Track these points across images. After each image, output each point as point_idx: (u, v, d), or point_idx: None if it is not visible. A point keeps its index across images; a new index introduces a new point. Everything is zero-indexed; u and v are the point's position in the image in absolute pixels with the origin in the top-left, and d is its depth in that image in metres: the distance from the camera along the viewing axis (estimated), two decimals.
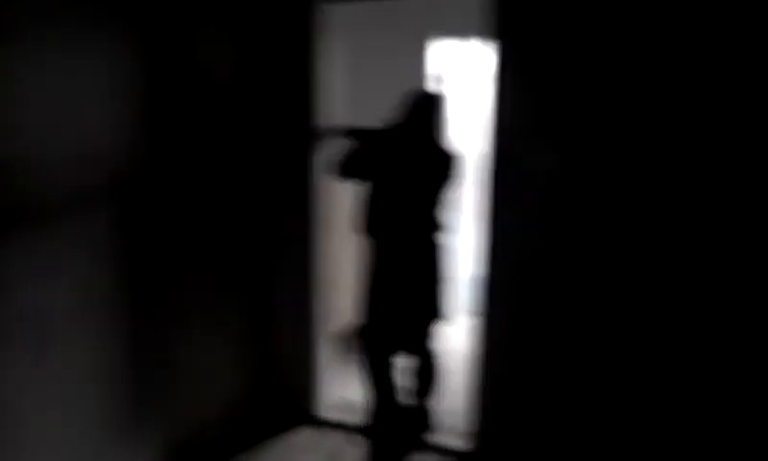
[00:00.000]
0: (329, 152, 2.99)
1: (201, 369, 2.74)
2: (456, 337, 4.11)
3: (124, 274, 2.23)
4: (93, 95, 2.03)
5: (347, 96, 3.42)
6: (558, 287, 2.51)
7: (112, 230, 2.16)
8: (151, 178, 2.33)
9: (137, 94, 2.23)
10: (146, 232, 2.33)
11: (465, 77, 4.60)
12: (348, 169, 2.73)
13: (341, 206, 3.35)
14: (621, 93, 2.30)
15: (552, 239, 2.49)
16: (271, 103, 2.96)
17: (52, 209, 1.91)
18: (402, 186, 2.68)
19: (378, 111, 3.77)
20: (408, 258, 2.70)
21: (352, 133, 2.83)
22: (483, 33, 4.14)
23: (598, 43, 2.31)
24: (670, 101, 2.24)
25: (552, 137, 2.42)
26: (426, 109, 2.68)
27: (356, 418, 3.14)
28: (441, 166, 2.70)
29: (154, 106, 2.32)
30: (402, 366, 2.89)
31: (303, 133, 2.92)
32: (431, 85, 2.76)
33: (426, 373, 2.88)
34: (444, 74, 4.46)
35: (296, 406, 3.19)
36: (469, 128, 4.66)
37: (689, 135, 2.23)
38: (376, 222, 2.73)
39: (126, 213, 2.22)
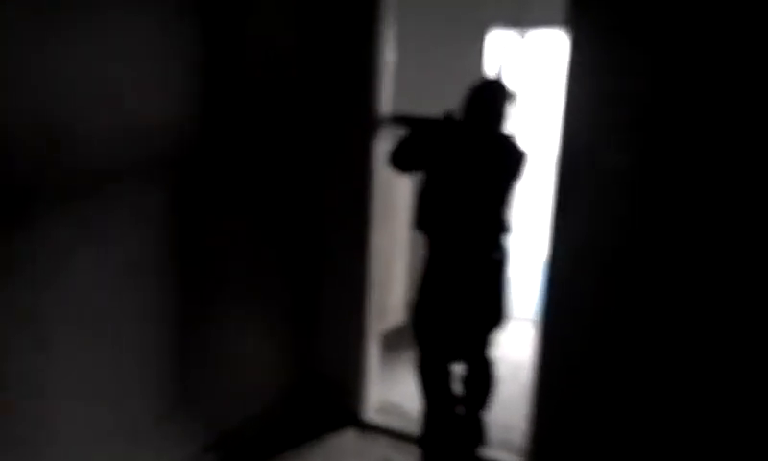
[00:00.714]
0: (389, 140, 2.83)
1: (244, 362, 2.65)
2: (513, 344, 3.89)
3: (172, 255, 2.16)
4: (146, 65, 1.94)
5: (404, 83, 3.23)
6: (626, 294, 2.33)
7: (163, 209, 2.09)
8: (204, 157, 2.26)
9: (194, 66, 2.14)
10: (196, 215, 2.25)
11: (526, 68, 4.37)
12: (401, 159, 2.56)
13: (398, 199, 3.19)
14: (701, 90, 2.10)
15: (622, 242, 2.31)
16: (332, 85, 2.82)
17: (101, 182, 1.84)
18: (462, 181, 2.49)
19: (434, 101, 3.59)
20: (467, 260, 2.51)
21: (409, 121, 2.66)
22: (549, 21, 3.93)
23: (679, 36, 2.11)
24: (750, 100, 2.04)
25: (626, 135, 2.24)
26: (490, 99, 2.48)
27: (404, 423, 2.99)
28: (504, 162, 2.51)
29: (210, 79, 2.23)
30: (458, 374, 2.70)
31: (364, 120, 2.77)
32: (495, 76, 2.53)
33: (482, 383, 2.69)
34: (505, 64, 4.24)
35: (341, 407, 3.07)
36: (535, 122, 4.45)
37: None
38: (431, 218, 2.55)
39: (177, 192, 2.14)
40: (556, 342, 2.50)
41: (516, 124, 2.60)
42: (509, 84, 2.50)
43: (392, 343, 3.66)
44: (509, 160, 2.50)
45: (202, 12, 2.13)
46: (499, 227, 2.52)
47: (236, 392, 2.61)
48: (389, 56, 2.79)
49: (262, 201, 2.61)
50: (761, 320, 2.13)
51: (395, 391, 3.29)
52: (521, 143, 2.52)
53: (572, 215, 2.37)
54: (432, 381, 2.67)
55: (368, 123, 2.77)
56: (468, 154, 2.48)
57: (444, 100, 2.91)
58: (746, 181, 2.08)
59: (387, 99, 2.84)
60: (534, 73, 4.45)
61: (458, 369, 2.70)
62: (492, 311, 2.57)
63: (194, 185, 2.21)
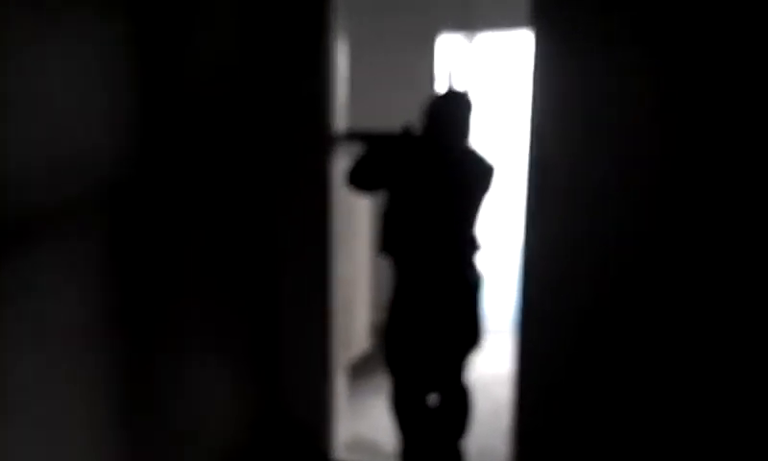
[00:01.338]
0: (347, 159, 2.68)
1: (202, 404, 2.41)
2: (486, 358, 3.75)
3: (116, 295, 1.93)
4: (78, 93, 1.74)
5: (355, 94, 3.08)
6: (603, 301, 2.24)
7: (103, 250, 1.87)
8: (148, 188, 2.04)
9: (130, 91, 1.94)
10: (141, 249, 2.03)
11: (477, 72, 4.32)
12: (360, 178, 2.40)
13: (358, 221, 3.04)
14: (678, 91, 2.04)
15: (596, 249, 2.22)
16: (282, 102, 2.65)
17: (33, 223, 1.62)
18: (428, 200, 2.35)
19: (385, 112, 3.47)
20: (438, 282, 2.37)
21: (366, 137, 2.51)
22: (499, 24, 3.90)
23: (652, 33, 2.04)
24: (728, 100, 1.98)
25: (597, 140, 2.16)
26: (453, 113, 2.35)
27: (377, 460, 2.79)
28: (471, 177, 2.39)
29: (152, 104, 2.03)
30: (433, 404, 2.54)
31: (319, 137, 2.61)
32: (457, 86, 2.42)
33: (459, 412, 2.53)
34: (455, 69, 4.16)
35: (309, 446, 2.85)
36: (495, 131, 4.39)
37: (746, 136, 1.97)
38: (398, 240, 2.40)
39: (119, 229, 1.93)
40: (534, 354, 2.38)
41: (479, 135, 2.49)
42: (471, 94, 2.40)
43: (358, 372, 3.48)
44: (476, 175, 2.39)
45: (141, 34, 1.95)
46: (470, 245, 2.39)
47: (193, 436, 2.38)
48: (341, 68, 2.65)
49: (214, 229, 2.41)
50: (742, 332, 2.07)
51: (364, 424, 3.10)
52: (488, 156, 2.41)
53: (544, 223, 2.27)
54: (409, 415, 2.50)
55: (322, 141, 2.61)
56: (433, 170, 2.34)
57: (397, 110, 2.78)
58: (723, 182, 2.03)
59: (342, 114, 2.70)
60: (485, 77, 4.40)
61: (432, 399, 2.54)
62: (467, 334, 2.43)
63: (138, 221, 2.00)
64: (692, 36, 2.00)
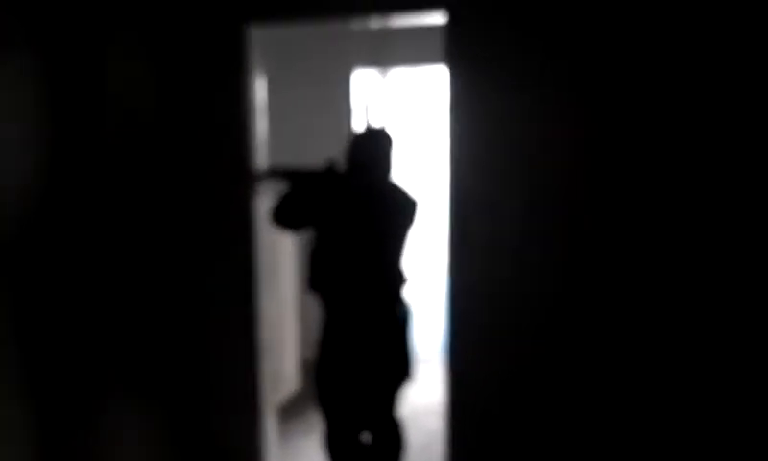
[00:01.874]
0: (270, 196, 2.65)
1: (127, 448, 2.27)
2: (417, 388, 3.75)
3: (20, 344, 1.79)
4: None
5: (272, 130, 3.06)
6: (529, 325, 2.31)
7: (9, 294, 1.74)
8: (56, 229, 1.92)
9: (39, 129, 1.84)
10: (50, 292, 1.91)
11: (391, 107, 4.42)
12: (284, 216, 2.39)
13: (283, 259, 2.99)
14: (598, 123, 2.16)
15: (519, 280, 2.30)
16: (200, 139, 2.60)
17: None
18: (353, 236, 2.35)
19: (302, 146, 3.46)
20: (366, 317, 2.36)
21: (288, 174, 2.50)
22: (411, 60, 4.01)
23: (567, 62, 2.16)
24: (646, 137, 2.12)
25: (517, 172, 2.25)
26: (376, 150, 2.37)
27: None
28: (396, 212, 2.40)
29: (58, 140, 1.94)
30: (366, 441, 2.51)
31: (240, 173, 2.57)
32: (374, 122, 2.45)
33: (392, 446, 2.51)
34: (371, 105, 4.23)
35: None
36: (415, 164, 4.48)
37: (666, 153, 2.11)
38: (325, 277, 2.39)
39: (24, 270, 1.80)
40: (464, 382, 2.42)
41: (401, 170, 2.53)
42: (390, 130, 2.45)
43: (288, 413, 3.39)
44: (400, 210, 2.40)
45: (51, 75, 1.87)
46: (396, 279, 2.40)
47: None
48: (259, 103, 2.64)
49: (134, 270, 2.31)
50: (665, 354, 2.18)
51: None
52: (410, 190, 2.45)
53: (468, 253, 2.33)
54: (342, 453, 2.46)
55: (244, 177, 2.57)
56: (358, 207, 2.35)
57: (315, 144, 2.78)
58: (644, 217, 2.14)
59: (262, 149, 2.68)
60: (400, 112, 4.50)
61: (365, 436, 2.51)
62: (397, 369, 2.42)
63: (46, 263, 1.89)
64: (608, 74, 2.13)
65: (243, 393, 2.70)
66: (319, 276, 2.39)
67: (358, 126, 2.46)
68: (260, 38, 2.62)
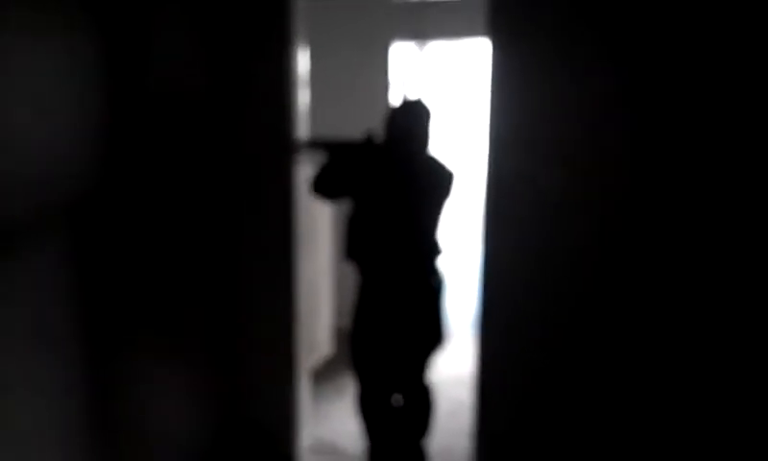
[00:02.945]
0: (310, 165, 2.70)
1: (164, 407, 2.39)
2: (446, 359, 3.81)
3: (77, 305, 1.89)
4: (40, 102, 1.71)
5: (312, 101, 3.10)
6: (562, 302, 2.32)
7: (68, 253, 1.84)
8: (108, 197, 2.01)
9: (94, 101, 1.91)
10: (105, 257, 2.00)
11: (430, 81, 4.40)
12: (324, 186, 2.44)
13: (321, 226, 3.06)
14: (638, 99, 2.12)
15: (555, 256, 2.30)
16: (244, 109, 2.65)
17: None
18: (391, 207, 2.39)
19: (341, 118, 3.48)
20: (402, 287, 2.41)
21: (328, 145, 2.54)
22: (450, 33, 3.97)
23: (613, 40, 2.12)
24: (682, 105, 2.07)
25: (556, 148, 2.23)
26: (414, 122, 2.39)
27: None
28: (433, 184, 2.43)
29: (113, 115, 2.01)
30: (397, 404, 2.58)
31: (282, 144, 2.62)
32: (412, 95, 2.46)
33: (422, 412, 2.58)
34: (409, 78, 4.22)
35: (273, 451, 2.84)
36: (455, 139, 4.47)
37: (703, 140, 2.07)
38: (362, 247, 2.44)
39: (82, 234, 1.89)
40: (494, 356, 2.45)
41: (439, 142, 2.55)
42: (427, 103, 2.46)
43: (321, 377, 3.49)
44: (437, 182, 2.43)
45: (102, 40, 1.93)
46: (432, 250, 2.44)
47: (158, 442, 2.35)
48: (302, 75, 2.68)
49: (177, 236, 2.39)
50: (705, 337, 2.16)
51: (327, 428, 3.11)
52: (448, 162, 2.47)
53: (504, 227, 2.34)
54: (374, 415, 2.54)
55: (286, 148, 2.63)
56: (395, 178, 2.39)
57: (353, 116, 2.80)
58: (688, 190, 2.10)
59: (303, 120, 2.72)
60: (437, 85, 4.48)
61: (396, 399, 2.58)
62: (430, 336, 2.47)
63: (101, 229, 1.97)
64: (652, 45, 2.07)
65: (279, 356, 2.78)
66: (355, 245, 2.44)
67: (396, 98, 2.47)
68: (303, 10, 2.64)
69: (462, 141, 4.48)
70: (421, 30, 3.99)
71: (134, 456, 2.22)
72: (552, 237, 2.29)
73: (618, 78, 2.13)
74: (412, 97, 2.47)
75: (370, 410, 2.54)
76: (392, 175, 2.38)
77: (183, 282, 2.47)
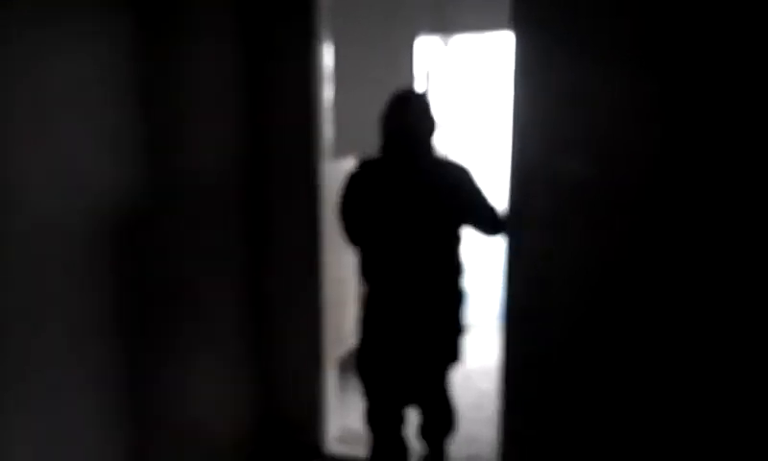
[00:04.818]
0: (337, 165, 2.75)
1: (196, 400, 2.46)
2: (476, 353, 3.83)
3: (117, 313, 1.98)
4: (74, 106, 1.77)
5: (339, 98, 3.14)
6: (586, 300, 2.31)
7: (104, 251, 1.91)
8: (151, 187, 2.08)
9: (138, 115, 1.99)
10: (138, 254, 2.07)
11: (453, 74, 4.39)
12: (349, 235, 2.43)
13: None
14: (665, 92, 2.09)
15: (579, 248, 2.29)
16: (271, 106, 2.70)
17: (42, 242, 1.67)
18: (399, 226, 2.20)
19: (364, 113, 3.49)
20: (414, 309, 2.28)
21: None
22: (474, 27, 3.97)
23: (638, 31, 2.11)
24: (712, 96, 2.04)
25: (582, 142, 2.22)
26: (408, 120, 2.20)
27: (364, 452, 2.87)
28: (443, 191, 2.21)
29: (155, 123, 2.09)
30: (412, 419, 2.56)
31: (308, 141, 2.67)
32: (411, 87, 2.33)
33: (442, 427, 2.55)
34: (431, 72, 4.22)
35: (301, 440, 2.92)
36: (474, 132, 4.47)
37: (730, 138, 2.03)
38: (375, 269, 2.32)
39: (118, 232, 1.96)
40: (519, 348, 2.44)
41: (446, 139, 2.44)
42: (426, 93, 2.27)
43: (347, 367, 3.54)
44: (447, 187, 2.20)
45: (143, 56, 2.00)
46: (451, 269, 2.30)
47: (190, 434, 2.42)
48: (327, 70, 2.72)
49: (209, 231, 2.45)
50: (729, 333, 2.13)
51: (354, 418, 3.17)
52: (456, 160, 2.31)
53: (528, 220, 2.32)
54: (382, 430, 2.49)
55: (313, 147, 2.67)
56: (397, 192, 2.19)
57: (377, 111, 2.79)
58: (711, 184, 2.07)
59: (327, 115, 2.76)
60: (461, 79, 4.47)
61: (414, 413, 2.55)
62: (444, 357, 2.38)
63: (135, 226, 2.04)
64: (678, 35, 2.04)
65: (307, 347, 2.84)
66: (367, 266, 2.35)
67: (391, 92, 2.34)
68: (327, 5, 2.68)
69: (486, 135, 4.47)
70: (446, 24, 3.99)
71: (167, 446, 2.30)
72: (578, 231, 2.28)
73: (643, 70, 2.11)
74: (406, 87, 2.36)
75: (378, 424, 2.50)
76: (393, 189, 2.23)
77: (216, 277, 2.53)
